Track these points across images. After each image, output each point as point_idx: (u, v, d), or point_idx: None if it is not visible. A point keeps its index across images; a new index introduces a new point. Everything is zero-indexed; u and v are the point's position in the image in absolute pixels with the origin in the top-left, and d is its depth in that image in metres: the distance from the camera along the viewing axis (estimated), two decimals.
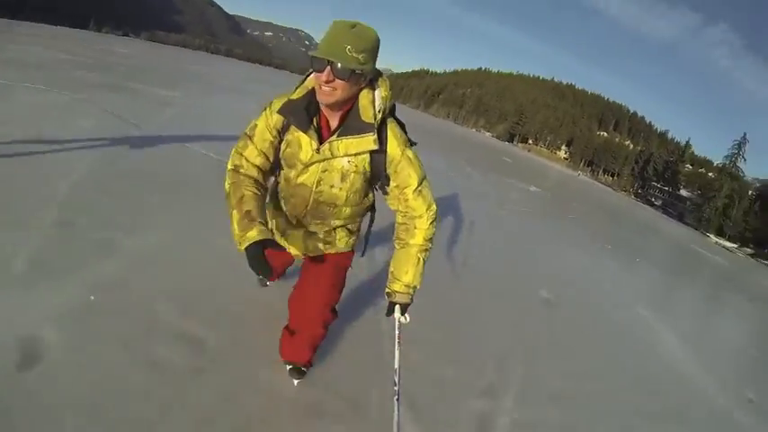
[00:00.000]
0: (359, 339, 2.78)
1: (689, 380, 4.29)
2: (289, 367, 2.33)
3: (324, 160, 1.77)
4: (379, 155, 1.78)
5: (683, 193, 71.19)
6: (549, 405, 2.97)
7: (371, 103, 1.73)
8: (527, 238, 8.41)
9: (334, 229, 2.06)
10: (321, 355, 2.42)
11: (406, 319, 2.01)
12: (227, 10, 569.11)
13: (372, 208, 2.10)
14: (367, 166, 1.78)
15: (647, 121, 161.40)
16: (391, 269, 1.99)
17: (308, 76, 1.79)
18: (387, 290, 2.01)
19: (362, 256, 2.31)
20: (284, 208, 2.02)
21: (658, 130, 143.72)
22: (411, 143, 1.90)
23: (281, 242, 2.11)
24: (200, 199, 4.08)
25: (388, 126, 1.80)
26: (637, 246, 13.50)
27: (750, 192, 61.05)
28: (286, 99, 1.78)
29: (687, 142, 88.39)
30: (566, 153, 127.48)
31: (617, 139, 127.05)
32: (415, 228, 1.91)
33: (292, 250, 2.12)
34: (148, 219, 3.45)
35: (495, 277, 5.11)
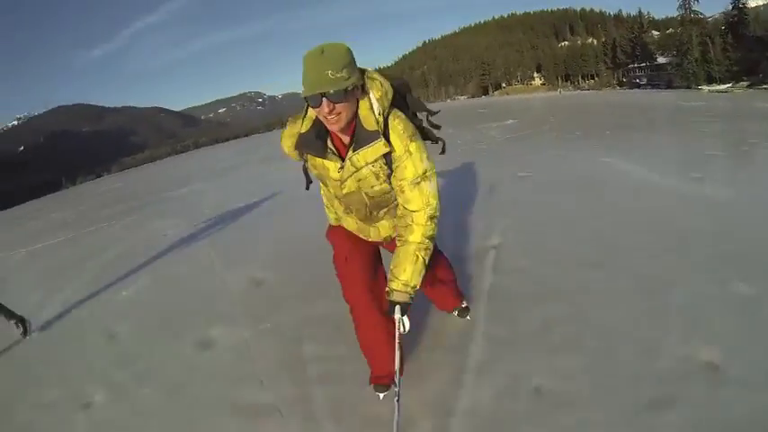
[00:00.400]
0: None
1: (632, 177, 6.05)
2: (455, 312, 2.92)
3: (353, 173, 1.87)
4: (388, 155, 1.83)
5: (662, 60, 70.95)
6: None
7: (370, 109, 1.78)
8: (509, 151, 10.26)
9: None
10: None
11: (405, 323, 2.01)
12: (175, 109, 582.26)
13: None
14: (384, 164, 1.86)
15: (598, 11, 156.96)
16: (391, 267, 2.01)
17: (308, 107, 1.85)
18: (386, 288, 2.02)
19: None
20: (353, 215, 2.15)
21: (611, 14, 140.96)
22: (434, 125, 2.07)
23: (371, 231, 2.23)
24: None
25: (391, 125, 1.82)
26: (608, 125, 14.08)
27: (721, 27, 60.70)
28: (299, 125, 1.92)
29: (639, 12, 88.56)
30: (540, 79, 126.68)
31: (579, 42, 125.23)
32: (413, 222, 1.93)
33: (383, 233, 2.21)
34: None
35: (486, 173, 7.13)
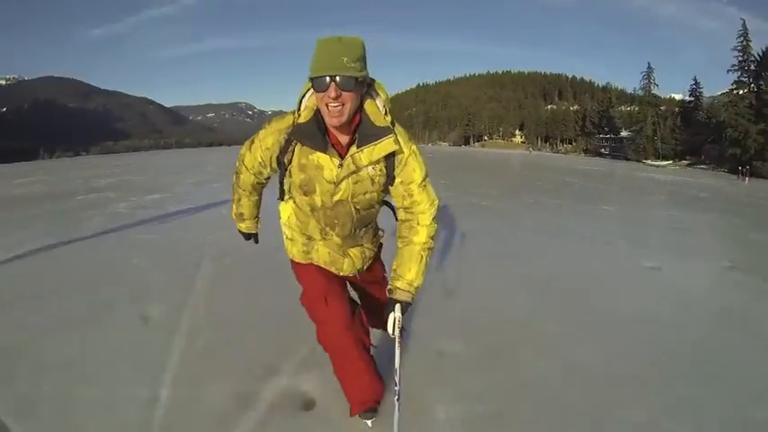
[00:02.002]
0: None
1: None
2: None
3: (352, 174, 1.78)
4: (391, 157, 1.80)
5: (624, 134, 75.97)
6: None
7: (378, 109, 1.77)
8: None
9: (376, 229, 2.16)
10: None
11: (399, 323, 1.96)
12: (165, 104, 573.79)
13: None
14: (384, 168, 1.82)
15: (588, 80, 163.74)
16: (394, 267, 1.98)
17: (303, 96, 1.80)
18: (388, 286, 1.99)
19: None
20: (333, 234, 1.99)
21: (599, 85, 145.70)
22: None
23: (344, 264, 2.08)
24: None
25: (398, 127, 1.83)
26: (539, 190, 14.73)
27: (669, 109, 67.39)
28: (290, 120, 1.82)
29: (606, 85, 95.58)
30: (521, 137, 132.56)
31: (563, 108, 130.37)
32: (418, 224, 1.93)
33: (357, 264, 2.11)
34: None
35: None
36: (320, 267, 2.10)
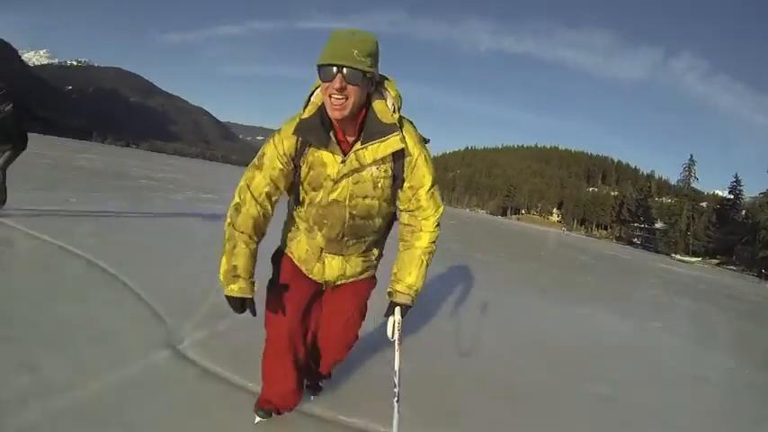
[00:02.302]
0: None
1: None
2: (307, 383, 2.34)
3: (354, 172, 1.75)
4: (400, 156, 1.76)
5: (659, 225, 76.12)
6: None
7: (386, 106, 1.74)
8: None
9: (371, 249, 2.07)
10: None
11: (398, 326, 1.98)
12: (218, 118, 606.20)
13: (394, 216, 2.05)
14: (391, 169, 1.77)
15: (633, 166, 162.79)
16: (394, 270, 1.98)
17: (312, 93, 1.78)
18: (388, 289, 1.98)
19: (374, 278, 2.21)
20: (319, 234, 1.93)
21: (644, 173, 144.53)
22: (425, 140, 1.89)
23: (314, 268, 2.02)
24: None
25: (404, 126, 1.78)
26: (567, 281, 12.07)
27: (710, 205, 67.97)
28: (297, 120, 1.76)
29: (650, 174, 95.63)
30: (558, 216, 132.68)
31: (605, 192, 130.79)
32: (421, 230, 1.92)
33: (328, 272, 2.01)
34: None
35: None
36: (294, 267, 2.05)
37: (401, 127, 1.76)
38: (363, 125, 1.73)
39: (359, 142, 1.73)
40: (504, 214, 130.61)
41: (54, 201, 7.51)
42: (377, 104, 1.73)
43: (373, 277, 2.20)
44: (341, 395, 2.53)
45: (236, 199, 1.85)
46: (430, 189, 1.86)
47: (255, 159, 1.84)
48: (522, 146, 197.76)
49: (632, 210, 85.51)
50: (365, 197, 1.81)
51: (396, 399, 1.90)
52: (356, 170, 1.75)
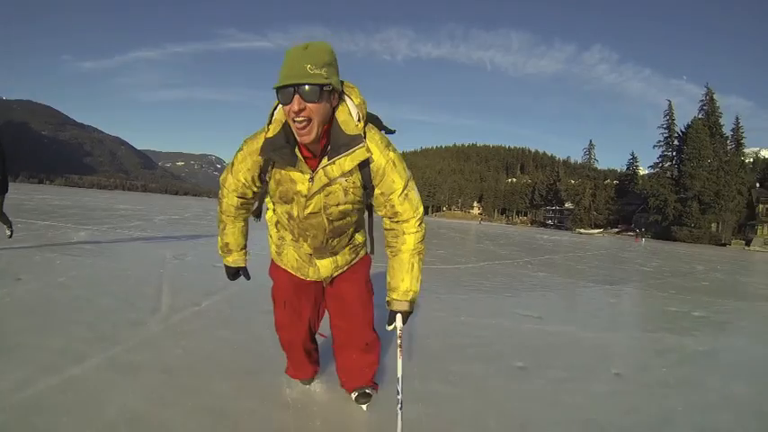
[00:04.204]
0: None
1: None
2: (354, 394, 2.28)
3: (324, 187, 1.74)
4: (365, 164, 1.73)
5: (569, 206, 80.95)
6: None
7: (350, 115, 1.70)
8: None
9: (354, 236, 2.07)
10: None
11: (399, 332, 1.99)
12: (136, 146, 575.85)
13: (370, 205, 2.03)
14: (359, 180, 1.76)
15: (550, 154, 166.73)
16: (388, 279, 1.97)
17: (275, 108, 1.75)
18: (386, 299, 1.98)
19: (372, 253, 2.24)
20: (305, 244, 1.97)
21: (560, 159, 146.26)
22: (388, 131, 1.91)
23: (309, 271, 2.07)
24: None
25: (368, 135, 1.73)
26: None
27: (608, 181, 74.08)
28: (262, 139, 1.75)
29: (566, 159, 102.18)
30: (478, 208, 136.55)
31: (523, 181, 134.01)
32: (404, 233, 1.89)
33: (323, 272, 2.05)
34: None
35: None
36: (290, 276, 2.12)
37: (365, 136, 1.71)
38: (328, 139, 1.69)
39: (326, 157, 1.69)
40: (426, 213, 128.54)
41: None
42: (340, 114, 1.68)
43: (366, 255, 2.20)
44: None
45: (219, 195, 2.04)
46: (402, 192, 1.80)
47: (230, 162, 1.93)
48: (441, 146, 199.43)
49: (543, 194, 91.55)
50: (338, 204, 1.79)
51: (399, 405, 1.90)
52: (326, 185, 1.73)
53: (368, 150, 1.69)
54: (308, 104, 1.52)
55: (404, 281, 1.91)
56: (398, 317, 1.96)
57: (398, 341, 1.99)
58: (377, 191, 1.80)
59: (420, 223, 1.89)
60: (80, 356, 2.56)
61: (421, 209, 1.90)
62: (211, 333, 3.24)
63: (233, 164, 1.89)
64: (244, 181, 1.88)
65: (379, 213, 1.93)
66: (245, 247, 2.15)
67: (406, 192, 1.81)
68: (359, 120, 1.70)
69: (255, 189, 1.93)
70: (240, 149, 1.85)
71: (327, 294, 2.19)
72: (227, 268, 2.17)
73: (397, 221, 1.87)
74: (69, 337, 2.85)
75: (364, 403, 2.29)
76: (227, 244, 2.10)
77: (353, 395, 2.28)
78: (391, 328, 1.97)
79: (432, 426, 2.20)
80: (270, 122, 1.74)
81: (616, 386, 2.91)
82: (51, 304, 3.60)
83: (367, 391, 2.27)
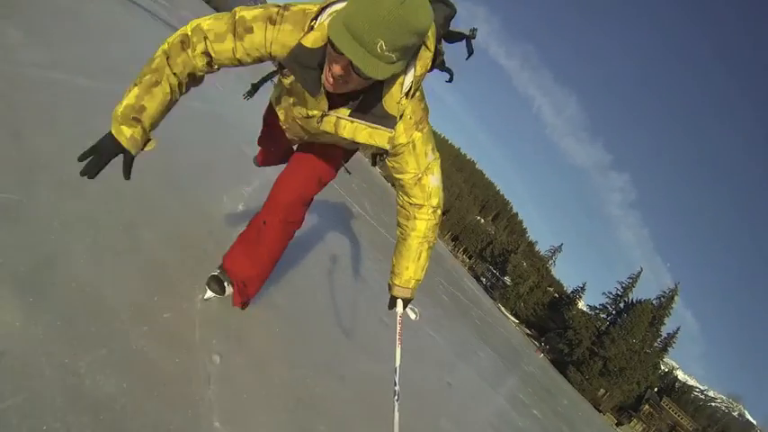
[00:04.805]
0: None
1: None
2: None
3: (332, 128, 1.57)
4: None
5: (507, 279, 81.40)
6: None
7: (399, 87, 1.44)
8: None
9: None
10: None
11: (416, 313, 2.01)
12: None
13: None
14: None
15: (524, 227, 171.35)
16: (393, 261, 1.90)
17: (327, 6, 1.41)
18: (388, 281, 1.93)
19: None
20: (295, 137, 1.95)
21: (531, 240, 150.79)
22: (446, 70, 1.71)
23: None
24: None
25: (405, 112, 1.51)
26: None
27: (551, 289, 76.47)
28: (296, 38, 1.41)
29: (531, 241, 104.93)
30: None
31: (489, 229, 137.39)
32: (416, 218, 1.78)
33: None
34: None
35: None
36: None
37: (401, 117, 1.51)
38: (361, 94, 1.47)
39: (347, 107, 1.51)
40: None
41: None
42: (387, 84, 1.43)
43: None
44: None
45: (189, 34, 1.45)
46: (415, 177, 1.67)
47: (237, 22, 1.42)
48: (447, 140, 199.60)
49: (495, 254, 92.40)
50: (343, 138, 1.60)
51: (396, 397, 1.82)
52: (334, 125, 1.56)
53: (391, 140, 1.52)
54: (354, 75, 1.28)
55: (408, 269, 1.85)
56: (399, 302, 1.93)
57: (398, 328, 1.92)
58: (390, 162, 1.66)
59: (435, 211, 1.79)
60: None
61: (436, 200, 1.77)
62: None
63: (243, 23, 1.42)
64: (241, 57, 1.47)
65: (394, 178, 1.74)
66: (154, 128, 1.51)
67: (419, 176, 1.68)
68: (406, 94, 1.46)
69: (233, 65, 1.53)
70: (267, 18, 1.41)
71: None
72: (109, 142, 1.40)
73: (410, 203, 1.77)
74: None
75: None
76: (142, 108, 1.42)
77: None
78: (399, 314, 1.93)
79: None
80: (313, 22, 1.39)
81: None
82: None
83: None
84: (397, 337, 1.91)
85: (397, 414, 1.78)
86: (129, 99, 1.42)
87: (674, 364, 68.36)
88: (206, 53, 1.46)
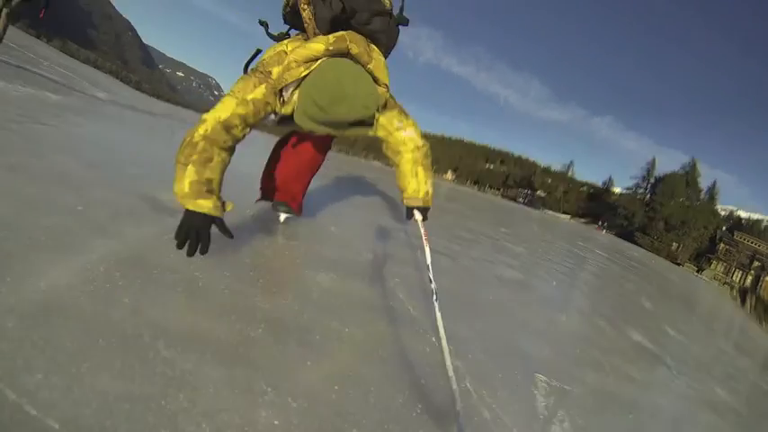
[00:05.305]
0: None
1: None
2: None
3: None
4: None
5: (540, 193, 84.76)
6: None
7: (384, 70, 1.74)
8: None
9: None
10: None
11: (421, 224, 1.95)
12: (143, 39, 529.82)
13: None
14: None
15: (532, 160, 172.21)
16: (397, 182, 1.98)
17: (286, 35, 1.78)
18: (401, 196, 1.99)
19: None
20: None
21: (542, 165, 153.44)
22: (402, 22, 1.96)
23: None
24: None
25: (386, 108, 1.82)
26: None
27: (584, 188, 78.53)
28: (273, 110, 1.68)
29: (529, 160, 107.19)
30: (452, 175, 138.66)
31: (501, 170, 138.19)
32: (401, 152, 1.90)
33: None
34: None
35: None
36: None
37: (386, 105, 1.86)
38: None
39: None
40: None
41: None
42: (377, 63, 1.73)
43: None
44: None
45: (210, 112, 1.54)
46: (396, 130, 1.89)
47: (244, 93, 1.60)
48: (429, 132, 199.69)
49: (516, 180, 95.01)
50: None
51: (434, 297, 1.75)
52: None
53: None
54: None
55: (410, 184, 1.91)
56: (416, 211, 1.96)
57: (422, 230, 1.93)
58: (379, 132, 1.85)
59: (418, 146, 1.88)
60: None
61: (416, 137, 1.89)
62: None
63: (260, 73, 1.62)
64: (264, 98, 1.61)
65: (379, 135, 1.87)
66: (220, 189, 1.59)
67: (398, 129, 1.86)
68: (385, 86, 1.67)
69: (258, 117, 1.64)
70: (277, 53, 1.68)
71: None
72: (197, 217, 1.47)
73: (395, 149, 1.88)
74: None
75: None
76: (209, 181, 1.49)
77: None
78: (419, 220, 1.95)
79: None
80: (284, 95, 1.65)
81: None
82: None
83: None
84: (423, 238, 1.92)
85: (438, 313, 1.70)
86: (191, 177, 1.46)
87: (731, 207, 67.36)
88: (246, 126, 1.62)
